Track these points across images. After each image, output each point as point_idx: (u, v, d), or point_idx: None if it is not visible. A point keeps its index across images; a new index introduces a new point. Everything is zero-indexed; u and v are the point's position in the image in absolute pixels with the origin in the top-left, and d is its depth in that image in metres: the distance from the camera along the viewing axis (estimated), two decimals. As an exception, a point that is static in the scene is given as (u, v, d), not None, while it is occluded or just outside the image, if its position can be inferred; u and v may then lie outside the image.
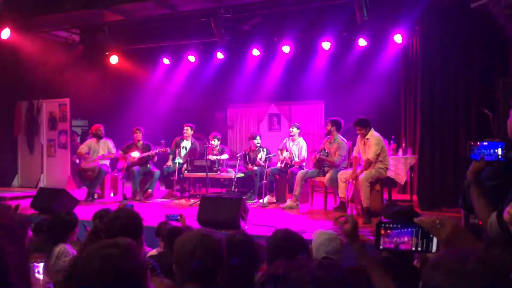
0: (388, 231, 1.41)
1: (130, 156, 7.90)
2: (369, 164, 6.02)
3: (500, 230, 1.62)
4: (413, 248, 1.40)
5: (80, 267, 1.35)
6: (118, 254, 1.37)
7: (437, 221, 1.39)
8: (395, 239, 1.41)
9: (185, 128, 8.26)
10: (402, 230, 1.41)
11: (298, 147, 7.47)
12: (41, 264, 2.12)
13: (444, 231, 1.37)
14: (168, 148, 8.11)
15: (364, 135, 6.20)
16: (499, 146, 1.84)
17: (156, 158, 8.04)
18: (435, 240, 1.38)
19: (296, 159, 7.38)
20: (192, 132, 8.33)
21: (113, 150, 8.13)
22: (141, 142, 8.10)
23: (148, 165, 8.02)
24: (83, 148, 8.02)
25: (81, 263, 1.36)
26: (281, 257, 2.06)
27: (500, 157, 1.84)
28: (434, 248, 1.38)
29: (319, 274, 0.98)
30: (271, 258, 2.33)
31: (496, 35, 5.96)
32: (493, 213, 1.71)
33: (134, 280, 1.35)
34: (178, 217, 4.09)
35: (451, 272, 1.00)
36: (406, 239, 1.40)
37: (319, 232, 2.86)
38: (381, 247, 1.41)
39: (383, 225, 1.41)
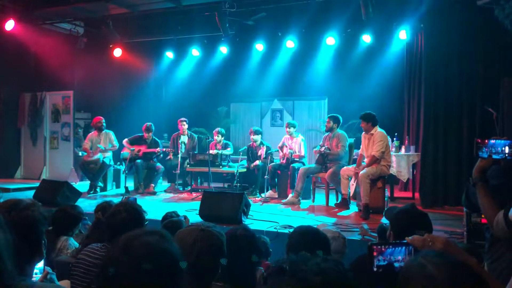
0: (382, 249, 1.40)
1: (135, 149, 7.92)
2: (374, 160, 5.99)
3: (506, 228, 1.61)
4: None
5: None
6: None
7: (428, 239, 1.41)
8: (389, 257, 1.40)
9: (181, 123, 8.30)
10: (395, 249, 1.41)
11: (297, 144, 7.44)
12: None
13: (436, 248, 1.38)
14: (172, 149, 8.16)
15: (367, 131, 6.18)
16: (507, 144, 1.83)
17: (161, 156, 8.14)
18: None
19: (296, 153, 7.37)
20: (187, 125, 8.36)
21: (115, 142, 8.16)
22: (150, 138, 8.15)
23: (152, 161, 8.05)
24: (87, 144, 8.10)
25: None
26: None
27: (507, 155, 1.83)
28: None
29: (325, 266, 0.98)
30: (290, 253, 2.29)
31: (501, 34, 5.93)
32: (499, 212, 1.70)
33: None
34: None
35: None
36: (400, 258, 1.40)
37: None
38: (374, 268, 1.40)
39: (374, 247, 1.41)
